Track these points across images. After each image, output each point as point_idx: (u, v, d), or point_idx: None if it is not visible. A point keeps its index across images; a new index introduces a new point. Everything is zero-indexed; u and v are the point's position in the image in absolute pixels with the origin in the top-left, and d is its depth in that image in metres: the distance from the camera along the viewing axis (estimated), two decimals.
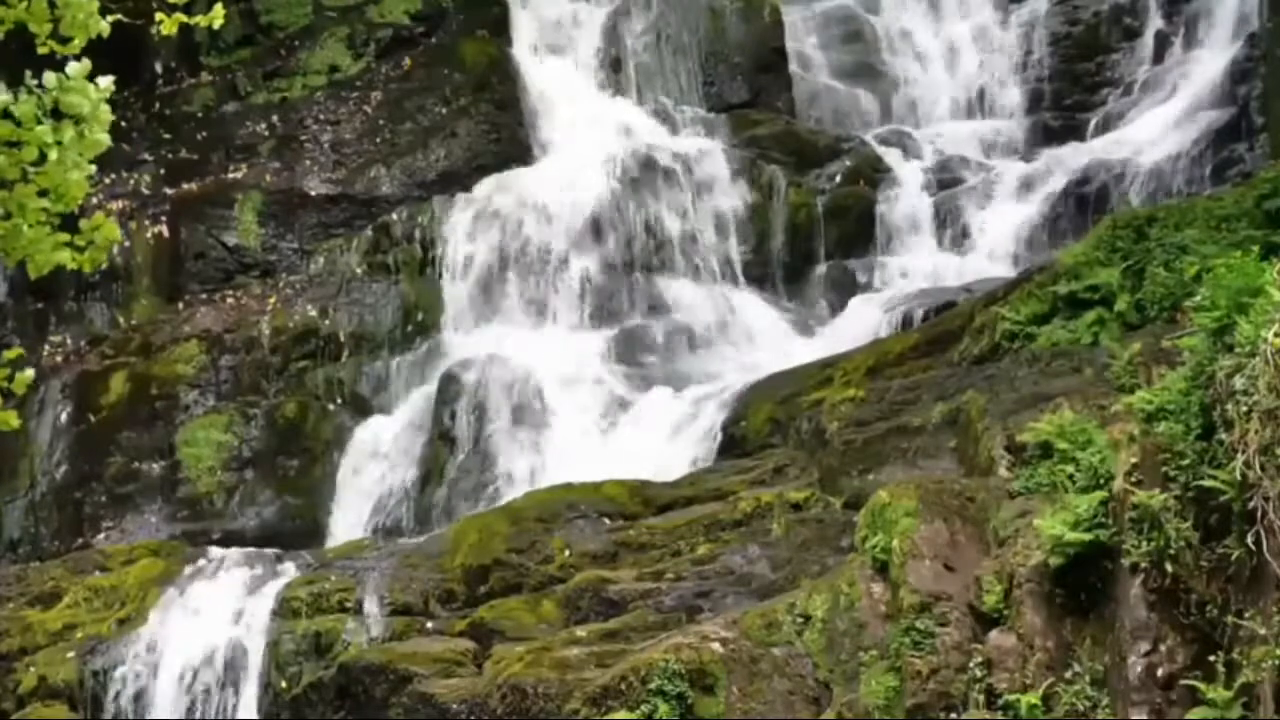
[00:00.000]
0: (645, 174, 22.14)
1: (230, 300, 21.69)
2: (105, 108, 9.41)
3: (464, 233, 21.74)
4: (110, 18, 9.68)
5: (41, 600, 16.76)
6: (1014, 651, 12.31)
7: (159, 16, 10.01)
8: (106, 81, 9.40)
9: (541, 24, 24.79)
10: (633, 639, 14.17)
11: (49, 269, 9.83)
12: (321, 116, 23.58)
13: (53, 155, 9.26)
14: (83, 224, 9.72)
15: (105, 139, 9.45)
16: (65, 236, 9.68)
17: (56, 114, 9.34)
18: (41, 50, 9.55)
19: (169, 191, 22.81)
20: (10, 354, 10.38)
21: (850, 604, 13.30)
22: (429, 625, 15.51)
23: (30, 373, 10.21)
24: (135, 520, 19.79)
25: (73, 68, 9.31)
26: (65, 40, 9.55)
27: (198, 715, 15.47)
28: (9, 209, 9.46)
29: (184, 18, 10.02)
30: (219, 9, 10.14)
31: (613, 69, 24.32)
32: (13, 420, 10.23)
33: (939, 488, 13.70)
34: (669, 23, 24.47)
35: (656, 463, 18.00)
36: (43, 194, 9.54)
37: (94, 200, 21.64)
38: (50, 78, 9.27)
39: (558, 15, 24.95)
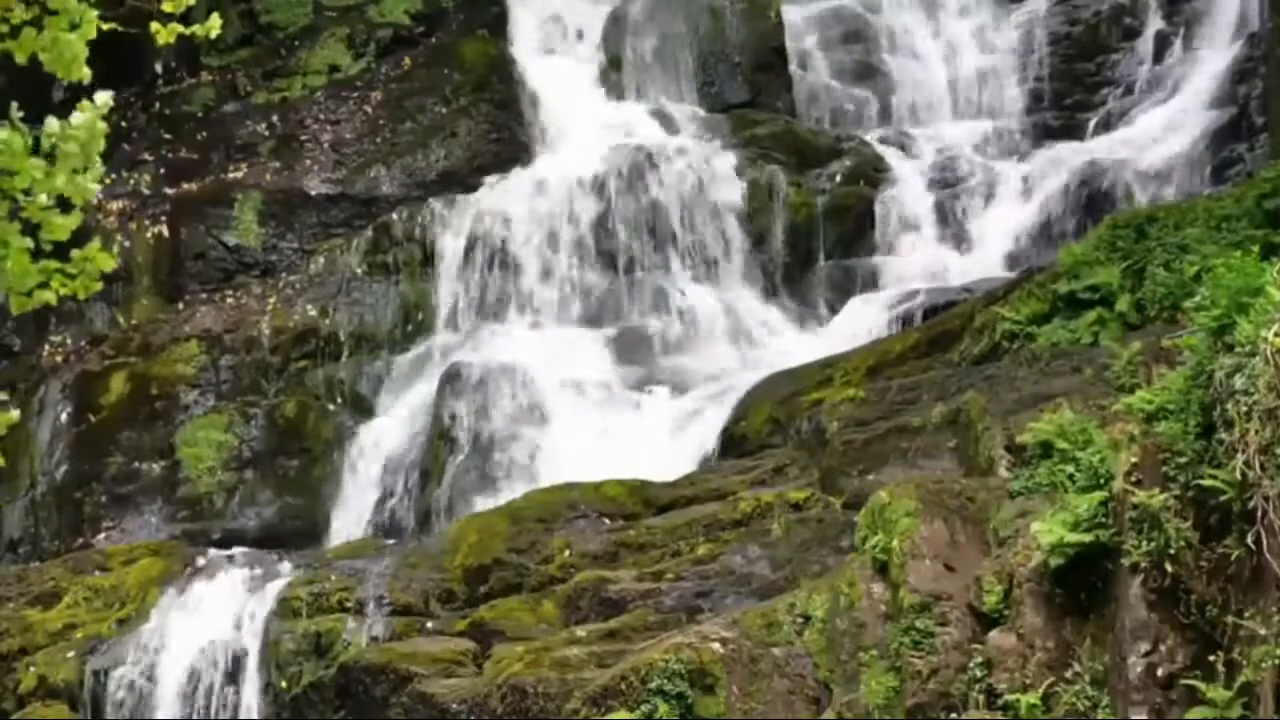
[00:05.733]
0: (645, 174, 22.13)
1: (230, 300, 21.69)
2: (102, 126, 9.32)
3: (464, 232, 21.73)
4: (106, 26, 9.64)
5: (41, 600, 16.76)
6: (1014, 651, 12.31)
7: (155, 26, 9.98)
8: (104, 97, 9.34)
9: (541, 24, 24.80)
10: (633, 639, 14.17)
11: (31, 307, 9.78)
12: (321, 116, 23.58)
13: (42, 198, 9.21)
14: (74, 254, 9.65)
15: (95, 189, 9.39)
16: (54, 264, 9.63)
17: (49, 155, 9.28)
18: (21, 61, 9.51)
19: (169, 191, 22.81)
20: None
21: (850, 604, 13.30)
22: (429, 625, 15.51)
23: (15, 414, 10.18)
24: (135, 520, 19.79)
25: (77, 117, 9.25)
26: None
27: (198, 715, 15.47)
28: None
29: (180, 28, 9.99)
30: (215, 19, 10.12)
31: (612, 69, 24.32)
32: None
33: (939, 488, 13.70)
34: (669, 23, 24.45)
35: (656, 463, 17.99)
36: (29, 230, 9.49)
37: (94, 200, 21.63)
38: (51, 123, 9.21)
39: (558, 15, 24.95)
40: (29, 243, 9.43)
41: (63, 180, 9.18)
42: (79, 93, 9.50)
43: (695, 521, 16.00)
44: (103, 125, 9.33)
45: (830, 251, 22.17)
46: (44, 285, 9.65)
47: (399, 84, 23.83)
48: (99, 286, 9.79)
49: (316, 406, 20.65)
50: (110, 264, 9.69)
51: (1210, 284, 11.93)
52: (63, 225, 9.35)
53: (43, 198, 9.18)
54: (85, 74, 9.40)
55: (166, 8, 9.81)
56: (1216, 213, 16.70)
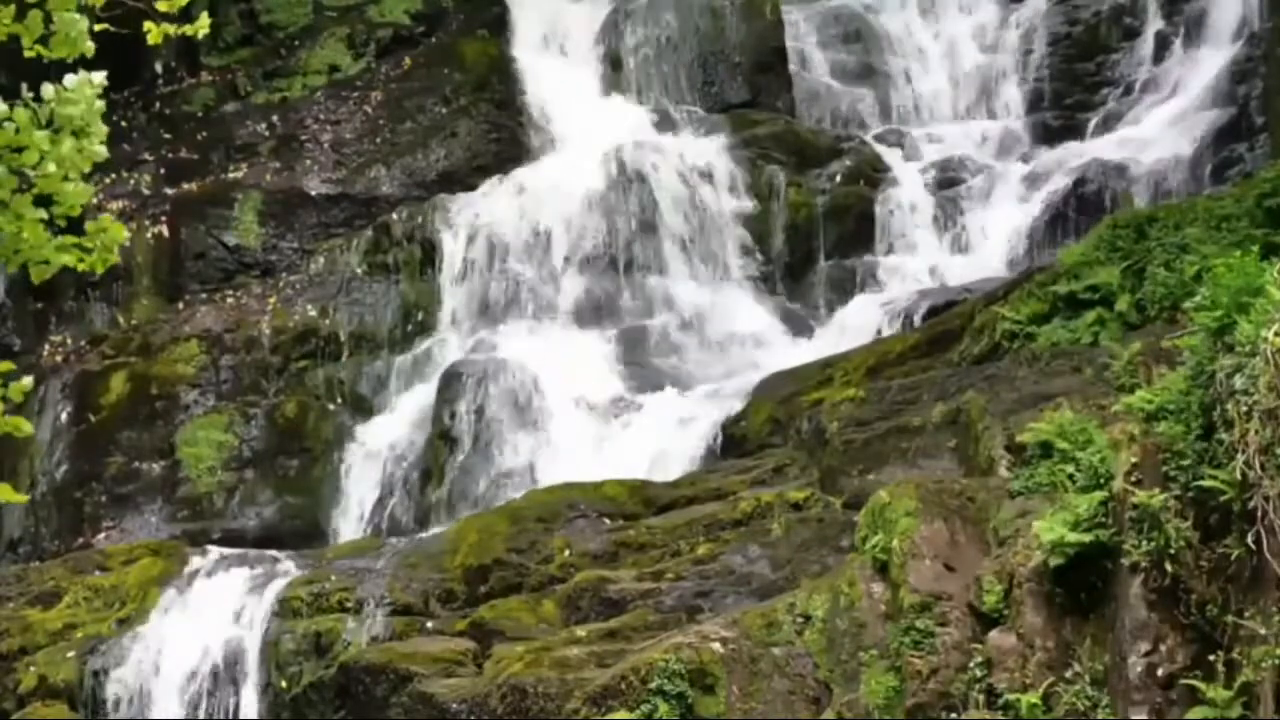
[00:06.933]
0: (645, 174, 22.13)
1: (230, 300, 21.69)
2: (100, 104, 9.38)
3: (464, 233, 21.73)
4: (99, 27, 9.68)
5: (41, 600, 16.76)
6: (1014, 651, 12.31)
7: (148, 26, 10.01)
8: (98, 77, 9.38)
9: (541, 24, 24.80)
10: (633, 639, 14.17)
11: (51, 274, 9.84)
12: (321, 116, 23.59)
13: (50, 166, 9.27)
14: (88, 226, 9.71)
15: (103, 150, 9.44)
16: (70, 239, 9.69)
17: (52, 125, 9.33)
18: (28, 54, 9.54)
19: (169, 191, 22.82)
20: (1, 366, 10.40)
21: (850, 604, 13.30)
22: (429, 625, 15.51)
23: (28, 380, 10.24)
24: (135, 520, 19.79)
25: (70, 79, 9.30)
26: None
27: (198, 715, 15.47)
28: (8, 217, 9.47)
29: (170, 29, 10.03)
30: (205, 18, 10.15)
31: (613, 69, 24.33)
32: (25, 426, 10.27)
33: (939, 488, 13.70)
34: (669, 23, 24.47)
35: (656, 463, 17.99)
36: (42, 202, 9.54)
37: (94, 200, 21.65)
38: (48, 89, 9.27)
39: (558, 15, 24.96)
40: (43, 213, 9.49)
41: (68, 146, 9.23)
42: None
43: (695, 521, 16.00)
44: (100, 104, 9.38)
45: (830, 251, 22.18)
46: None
47: (399, 84, 23.84)
48: (116, 259, 9.83)
49: (316, 406, 20.65)
50: (123, 235, 9.74)
51: (1210, 284, 11.93)
52: (74, 194, 9.40)
53: (51, 166, 9.23)
54: (90, 48, 9.44)
55: (161, 7, 9.84)
56: (1216, 213, 16.70)
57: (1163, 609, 11.58)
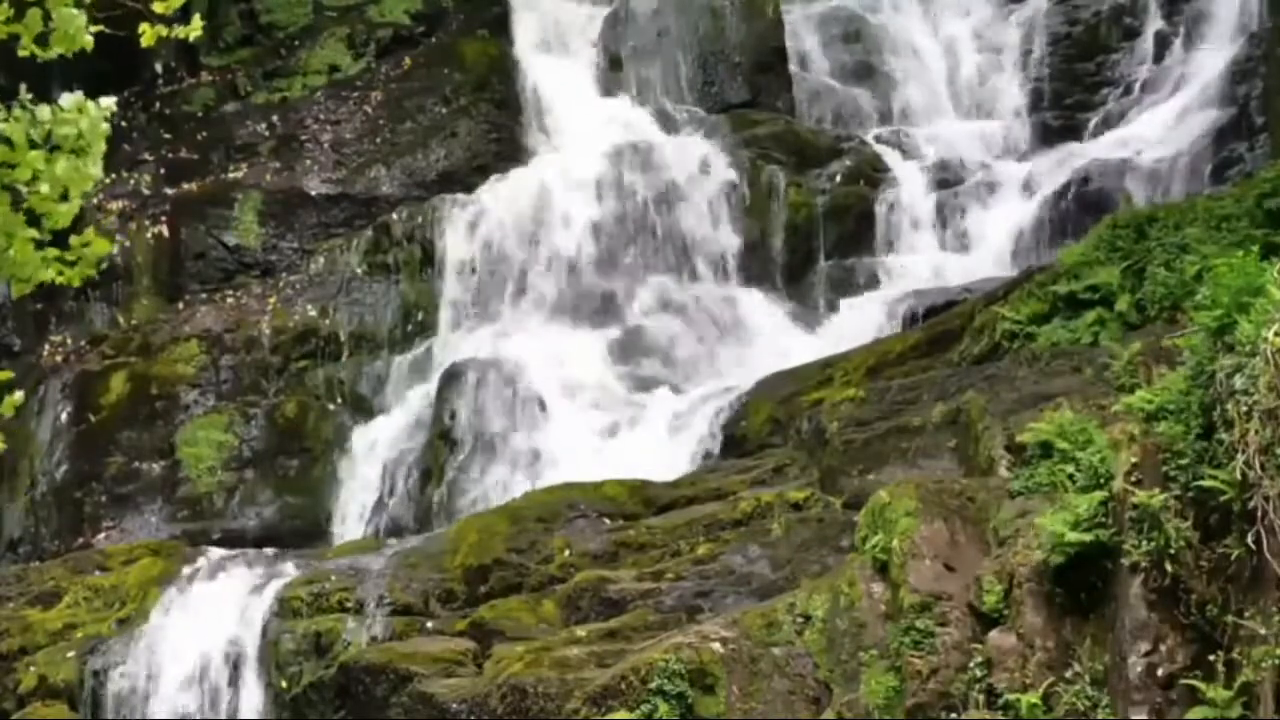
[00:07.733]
0: (645, 174, 22.14)
1: (230, 300, 21.70)
2: (105, 128, 9.38)
3: (464, 233, 21.74)
4: (93, 28, 9.68)
5: (41, 600, 16.76)
6: (1014, 651, 12.31)
7: (143, 27, 10.01)
8: (108, 101, 9.38)
9: (541, 24, 24.80)
10: (633, 639, 14.17)
11: (31, 288, 9.84)
12: (321, 116, 23.59)
13: (44, 187, 9.26)
14: (73, 240, 9.69)
15: (97, 172, 9.42)
16: (54, 252, 9.68)
17: (50, 142, 9.32)
18: (22, 53, 9.53)
19: (169, 191, 22.82)
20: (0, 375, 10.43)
21: (850, 604, 13.30)
22: (429, 625, 15.51)
23: (19, 395, 10.23)
24: (135, 520, 19.80)
25: (67, 98, 9.29)
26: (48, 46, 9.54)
27: (198, 715, 15.47)
28: None
29: (164, 30, 10.03)
30: (197, 21, 10.16)
31: (613, 69, 24.33)
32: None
33: (939, 488, 13.70)
34: (669, 23, 24.47)
35: (656, 463, 17.99)
36: (32, 219, 9.53)
37: (94, 200, 21.67)
38: (44, 110, 9.25)
39: (558, 15, 24.97)
40: (34, 233, 9.48)
41: (63, 167, 9.23)
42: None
43: (695, 521, 16.00)
44: (105, 127, 9.36)
45: (830, 251, 22.18)
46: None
47: (399, 84, 23.84)
48: (92, 272, 9.82)
49: (316, 406, 20.66)
50: (107, 248, 9.74)
51: (1210, 284, 11.93)
52: (65, 212, 9.40)
53: (44, 187, 9.22)
54: (88, 42, 9.43)
55: (158, 8, 9.83)
56: (1216, 213, 16.69)
57: (1163, 609, 11.58)
